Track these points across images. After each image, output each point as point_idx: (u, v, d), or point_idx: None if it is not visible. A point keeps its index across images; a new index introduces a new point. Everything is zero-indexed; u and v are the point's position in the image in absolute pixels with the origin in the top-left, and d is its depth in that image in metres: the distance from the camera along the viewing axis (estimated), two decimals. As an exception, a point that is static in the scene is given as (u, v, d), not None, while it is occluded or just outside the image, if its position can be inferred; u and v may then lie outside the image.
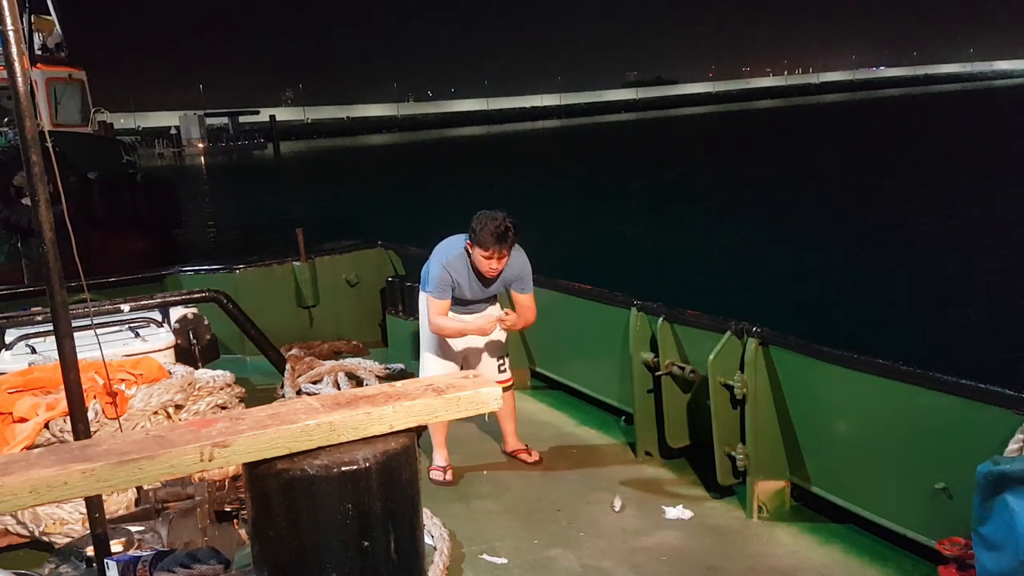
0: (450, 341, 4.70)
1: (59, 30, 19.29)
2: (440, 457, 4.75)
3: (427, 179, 41.81)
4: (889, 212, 21.09)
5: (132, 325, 5.76)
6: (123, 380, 4.57)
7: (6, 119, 16.19)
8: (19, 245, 15.21)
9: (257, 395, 5.97)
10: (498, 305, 4.83)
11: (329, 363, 6.38)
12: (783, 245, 17.92)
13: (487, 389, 1.82)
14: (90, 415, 3.69)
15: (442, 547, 3.77)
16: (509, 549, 3.89)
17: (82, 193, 15.17)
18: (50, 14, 19.12)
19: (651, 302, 4.82)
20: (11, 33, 2.45)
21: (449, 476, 4.70)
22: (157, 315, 5.99)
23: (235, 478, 3.47)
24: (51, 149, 2.63)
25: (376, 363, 6.39)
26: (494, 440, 5.10)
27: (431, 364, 4.75)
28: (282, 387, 6.09)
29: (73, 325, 2.67)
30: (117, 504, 3.89)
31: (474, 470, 4.81)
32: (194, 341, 5.91)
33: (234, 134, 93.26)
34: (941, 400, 3.31)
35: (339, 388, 5.96)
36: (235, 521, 3.47)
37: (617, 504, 4.24)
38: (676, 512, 4.13)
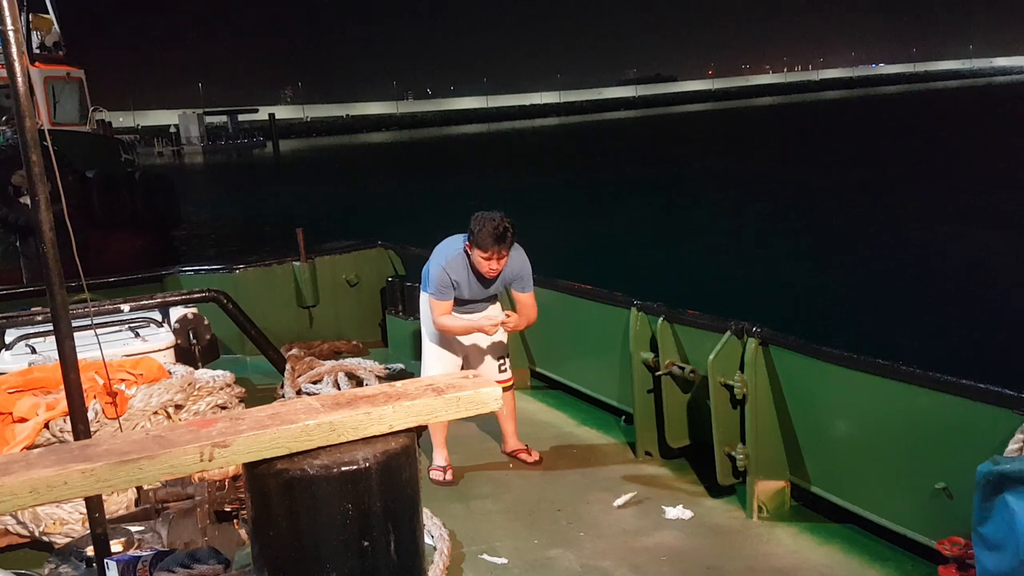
0: (451, 341, 4.71)
1: (57, 29, 19.30)
2: (440, 457, 4.75)
3: (427, 177, 41.83)
4: (889, 211, 21.09)
5: (132, 325, 5.75)
6: (123, 380, 4.57)
7: (4, 118, 16.19)
8: (17, 244, 15.20)
9: (257, 395, 5.98)
10: (498, 305, 4.83)
11: (329, 363, 6.38)
12: (783, 244, 17.93)
13: (487, 389, 1.82)
14: (90, 415, 3.69)
15: (442, 547, 3.77)
16: (509, 549, 3.89)
17: (81, 192, 15.16)
18: (48, 13, 19.12)
19: (651, 302, 4.82)
20: (11, 32, 2.45)
21: (449, 476, 4.70)
22: (157, 315, 5.99)
23: (235, 478, 3.46)
24: (50, 148, 2.63)
25: (376, 363, 6.39)
26: (494, 440, 5.10)
27: (432, 364, 4.75)
28: (282, 387, 6.08)
29: (73, 325, 2.67)
30: (117, 504, 3.89)
31: (474, 470, 4.81)
32: (194, 341, 5.91)
33: (233, 132, 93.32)
34: (941, 400, 3.30)
35: (339, 388, 5.96)
36: (235, 521, 3.47)
37: (619, 500, 4.24)
38: (676, 512, 4.13)
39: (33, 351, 5.40)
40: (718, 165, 37.21)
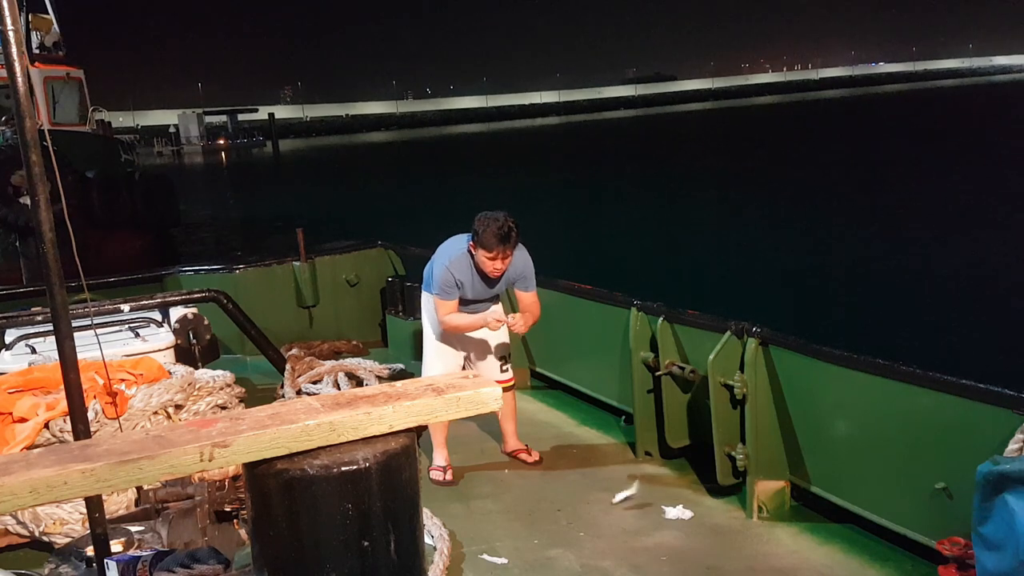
0: (453, 341, 4.71)
1: (57, 29, 19.29)
2: (440, 457, 4.75)
3: (427, 177, 41.82)
4: (889, 210, 21.09)
5: (132, 325, 5.75)
6: (123, 380, 4.57)
7: (4, 118, 16.19)
8: (17, 245, 15.20)
9: (257, 395, 5.98)
10: (500, 305, 4.83)
11: (329, 363, 6.37)
12: (783, 244, 17.92)
13: (487, 389, 1.82)
14: (90, 415, 3.69)
15: (442, 547, 3.77)
16: (509, 549, 3.89)
17: (81, 192, 15.16)
18: (48, 13, 19.12)
19: (651, 302, 4.82)
20: (11, 32, 2.45)
21: (449, 476, 4.70)
22: (157, 315, 5.99)
23: (235, 478, 3.46)
24: (50, 148, 2.63)
25: (376, 363, 6.39)
26: (494, 440, 5.10)
27: (433, 363, 4.75)
28: (282, 387, 6.08)
29: (73, 325, 2.67)
30: (117, 504, 3.89)
31: (474, 470, 4.81)
32: (194, 341, 5.91)
33: (233, 132, 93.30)
34: (941, 400, 3.30)
35: (339, 388, 5.96)
36: (235, 521, 3.47)
37: (618, 497, 4.24)
38: (676, 512, 4.13)
39: (33, 351, 5.40)
40: (718, 164, 37.19)
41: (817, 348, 3.87)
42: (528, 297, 4.62)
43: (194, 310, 6.06)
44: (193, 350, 5.88)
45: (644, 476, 4.61)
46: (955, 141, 37.83)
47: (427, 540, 3.79)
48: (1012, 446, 2.91)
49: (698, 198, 26.93)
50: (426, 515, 3.80)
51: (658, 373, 4.67)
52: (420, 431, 1.80)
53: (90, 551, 2.92)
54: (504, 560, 3.80)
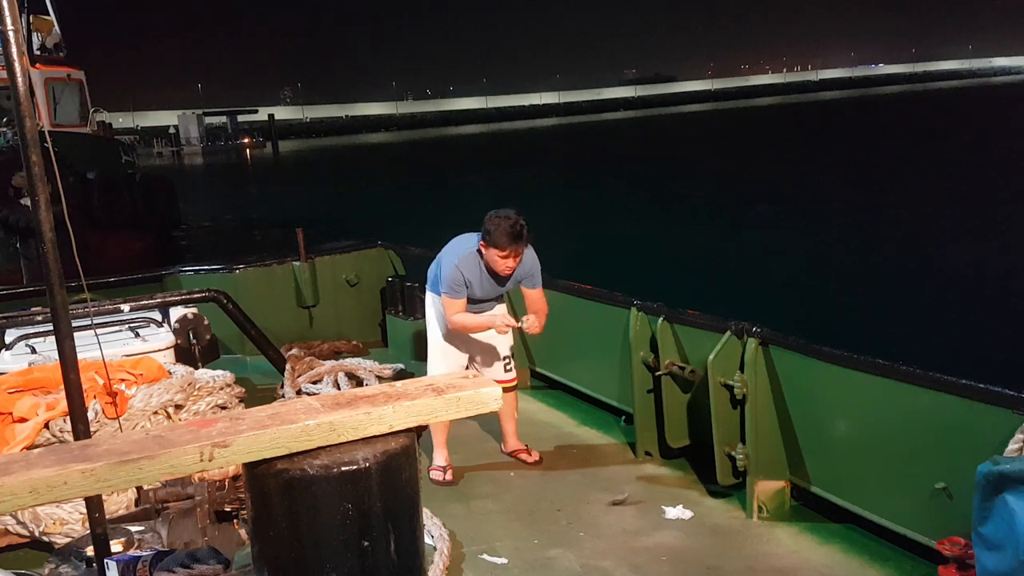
0: (457, 340, 4.71)
1: (58, 30, 19.32)
2: (440, 457, 4.76)
3: (426, 178, 41.82)
4: (889, 210, 21.09)
5: (132, 325, 5.76)
6: (123, 380, 4.57)
7: (4, 119, 16.20)
8: (18, 245, 15.21)
9: (257, 395, 5.98)
10: (504, 305, 4.84)
11: (329, 363, 6.38)
12: (783, 244, 17.91)
13: (487, 389, 1.82)
14: (90, 415, 3.69)
15: (442, 547, 3.77)
16: (509, 549, 3.89)
17: (81, 193, 15.17)
18: (49, 14, 19.14)
19: (651, 302, 4.82)
20: (11, 33, 2.45)
21: (449, 476, 4.70)
22: (157, 315, 5.99)
23: (235, 478, 3.47)
24: (50, 149, 2.63)
25: (376, 363, 6.39)
26: (494, 440, 5.10)
27: (437, 363, 4.75)
28: (282, 387, 6.09)
29: (73, 325, 2.67)
30: (117, 504, 3.89)
31: (474, 470, 4.81)
32: (194, 341, 5.91)
33: (232, 133, 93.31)
34: (941, 400, 3.31)
35: (339, 388, 5.96)
36: (235, 521, 3.47)
37: (619, 495, 4.24)
38: (676, 512, 4.13)
39: (33, 351, 5.40)
40: (718, 165, 37.20)
41: (817, 348, 3.87)
42: (535, 294, 4.63)
43: (194, 310, 6.06)
44: (193, 350, 5.88)
45: (644, 476, 4.62)
46: (955, 142, 37.82)
47: (427, 540, 3.79)
48: (1012, 446, 2.91)
49: (698, 199, 26.91)
50: (426, 515, 3.80)
51: (658, 373, 4.67)
52: (420, 431, 1.80)
53: (90, 551, 2.92)
54: (504, 560, 3.80)
